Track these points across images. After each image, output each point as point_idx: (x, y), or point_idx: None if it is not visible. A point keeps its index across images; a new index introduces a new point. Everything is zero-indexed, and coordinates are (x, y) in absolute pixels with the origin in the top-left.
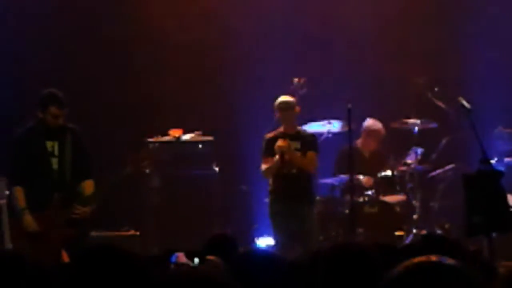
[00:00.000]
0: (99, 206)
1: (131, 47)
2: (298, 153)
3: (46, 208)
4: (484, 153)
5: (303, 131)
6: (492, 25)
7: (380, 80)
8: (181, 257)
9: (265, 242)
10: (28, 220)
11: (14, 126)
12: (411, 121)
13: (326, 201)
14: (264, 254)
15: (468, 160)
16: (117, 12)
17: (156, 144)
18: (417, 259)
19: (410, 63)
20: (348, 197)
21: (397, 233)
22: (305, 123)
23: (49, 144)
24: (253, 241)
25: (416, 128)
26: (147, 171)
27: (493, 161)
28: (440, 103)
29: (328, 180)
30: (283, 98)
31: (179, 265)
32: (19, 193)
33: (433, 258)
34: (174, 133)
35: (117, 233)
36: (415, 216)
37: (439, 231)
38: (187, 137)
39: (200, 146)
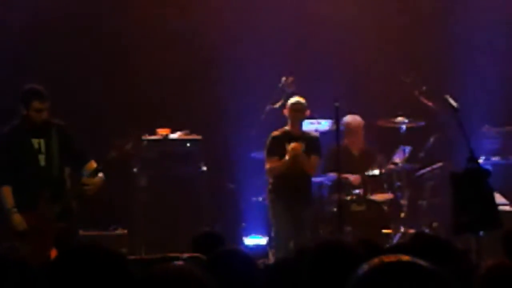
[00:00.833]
0: (86, 205)
1: (119, 46)
2: (304, 155)
3: (36, 206)
4: (472, 152)
5: (308, 132)
6: (480, 25)
7: (368, 79)
8: None
9: (252, 241)
10: (17, 219)
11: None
12: (399, 119)
13: (315, 200)
14: (242, 254)
15: (456, 159)
16: (106, 12)
17: (144, 142)
18: (387, 258)
19: (398, 62)
20: (336, 196)
21: (384, 231)
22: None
23: (35, 141)
24: (240, 240)
25: (404, 127)
26: (135, 170)
27: (480, 160)
28: (427, 102)
29: (317, 179)
30: (298, 99)
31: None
32: (6, 192)
33: (404, 258)
34: (162, 132)
35: (104, 232)
36: (402, 215)
37: (426, 230)
38: (175, 135)
39: (188, 144)
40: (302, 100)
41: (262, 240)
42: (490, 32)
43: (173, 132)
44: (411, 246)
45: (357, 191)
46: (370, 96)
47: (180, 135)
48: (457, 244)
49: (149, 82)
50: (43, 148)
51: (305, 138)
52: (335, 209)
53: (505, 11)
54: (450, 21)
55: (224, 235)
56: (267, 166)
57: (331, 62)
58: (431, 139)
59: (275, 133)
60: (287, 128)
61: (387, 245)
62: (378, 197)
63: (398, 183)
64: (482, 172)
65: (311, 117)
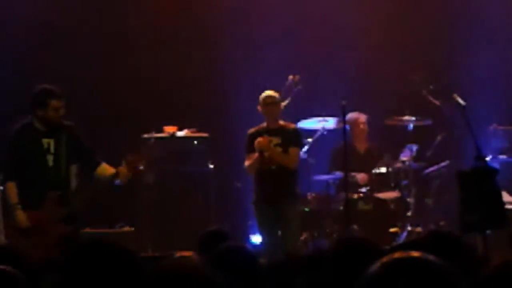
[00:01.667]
0: (93, 203)
1: (126, 45)
2: (279, 149)
3: (41, 205)
4: (479, 150)
5: (286, 125)
6: (488, 23)
7: (375, 77)
8: None
9: (259, 239)
10: (20, 216)
11: (10, 123)
12: (406, 118)
13: (321, 198)
14: (245, 251)
15: (463, 157)
16: (114, 10)
17: (151, 140)
18: (398, 255)
19: (405, 60)
20: (342, 194)
21: (391, 230)
22: (300, 120)
23: (45, 141)
24: (247, 238)
25: (411, 125)
26: (141, 168)
27: (487, 158)
28: (435, 100)
29: (323, 177)
30: (268, 93)
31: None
32: (11, 188)
33: (415, 254)
34: (169, 129)
35: (111, 229)
36: (409, 213)
37: (433, 228)
38: (182, 133)
39: (195, 142)
40: (273, 92)
41: None
42: (498, 31)
43: (180, 130)
44: (423, 243)
45: (364, 189)
46: (378, 95)
47: (187, 133)
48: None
49: (157, 80)
50: (52, 149)
51: (282, 131)
52: (341, 208)
53: None
54: (459, 20)
55: (231, 233)
56: (245, 164)
57: (338, 60)
58: (438, 138)
59: (251, 130)
60: (264, 124)
61: (394, 243)
62: (385, 195)
63: (405, 182)
64: (489, 171)
65: (318, 115)
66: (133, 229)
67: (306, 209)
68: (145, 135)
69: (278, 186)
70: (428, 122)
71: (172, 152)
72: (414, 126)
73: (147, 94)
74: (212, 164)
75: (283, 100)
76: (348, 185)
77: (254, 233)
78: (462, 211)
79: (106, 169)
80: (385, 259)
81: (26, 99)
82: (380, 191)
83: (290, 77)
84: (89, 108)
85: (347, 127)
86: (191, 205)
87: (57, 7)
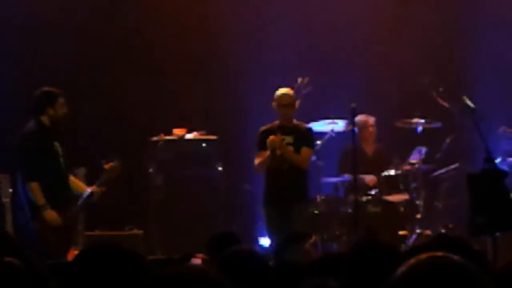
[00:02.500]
0: (102, 205)
1: (135, 47)
2: (291, 148)
3: (59, 207)
4: (488, 153)
5: (299, 125)
6: (497, 25)
7: (385, 79)
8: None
9: (268, 241)
10: (52, 215)
11: (14, 125)
12: (415, 120)
13: (330, 201)
14: (254, 254)
15: (472, 160)
16: (120, 12)
17: (160, 143)
18: (424, 256)
19: (415, 63)
20: (351, 197)
21: (400, 233)
22: (309, 122)
23: (56, 144)
24: (256, 240)
25: (420, 128)
26: (151, 170)
27: (497, 161)
28: (444, 103)
29: (332, 180)
30: (284, 92)
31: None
32: (37, 189)
33: (439, 254)
34: (178, 132)
35: (120, 232)
36: (418, 216)
37: (442, 231)
38: (191, 136)
39: (204, 145)
40: (289, 92)
41: None
42: (508, 34)
43: (189, 132)
44: (432, 247)
45: (373, 192)
46: (387, 97)
47: (196, 136)
48: (474, 245)
49: (166, 82)
50: (60, 151)
51: (295, 130)
52: (350, 210)
53: None
54: (468, 22)
55: (240, 235)
56: (255, 161)
57: (347, 62)
58: (448, 140)
59: (264, 128)
60: (277, 122)
61: (403, 246)
62: (394, 198)
63: (414, 184)
64: (498, 173)
65: (327, 117)
66: (142, 231)
67: (316, 212)
68: (154, 138)
69: (288, 187)
70: (437, 124)
71: (181, 154)
72: (423, 129)
73: (156, 96)
74: (220, 166)
75: (297, 99)
76: (357, 187)
77: (263, 236)
78: (472, 214)
79: (77, 184)
80: (412, 261)
81: (26, 99)
82: (389, 193)
83: (299, 79)
84: (98, 110)
85: (355, 129)
86: (200, 208)
87: (59, 8)
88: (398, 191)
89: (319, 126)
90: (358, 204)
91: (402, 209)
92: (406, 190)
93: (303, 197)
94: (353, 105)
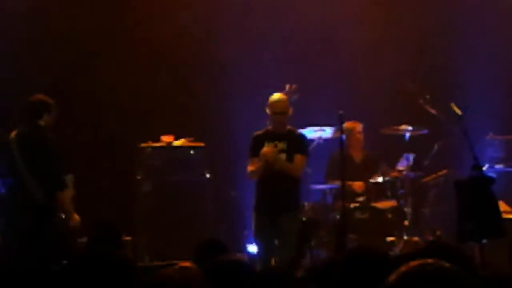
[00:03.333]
0: (89, 212)
1: (121, 54)
2: (283, 156)
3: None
4: (476, 160)
5: (293, 131)
6: (485, 33)
7: (372, 86)
8: None
9: (255, 248)
10: (78, 219)
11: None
12: (403, 127)
13: (318, 207)
14: (243, 265)
15: (460, 167)
16: (105, 20)
17: (148, 150)
18: (415, 263)
19: (402, 70)
20: (339, 203)
21: (388, 239)
22: (297, 129)
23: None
24: (243, 247)
25: (408, 135)
26: (138, 177)
27: (484, 168)
28: (431, 110)
29: (320, 187)
30: (278, 98)
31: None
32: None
33: (430, 261)
34: (166, 139)
35: None
36: (406, 222)
37: (430, 238)
38: (178, 142)
39: (191, 152)
40: (283, 98)
41: None
42: (494, 41)
43: (176, 139)
44: (423, 254)
45: (360, 198)
46: (374, 104)
47: (184, 142)
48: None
49: (153, 88)
50: None
51: (289, 137)
52: (338, 217)
53: (510, 21)
54: (454, 30)
55: (227, 242)
56: (248, 168)
57: (335, 69)
58: (435, 147)
59: (257, 133)
60: (269, 127)
61: (391, 253)
62: (382, 204)
63: (402, 191)
64: (486, 180)
65: (315, 124)
66: (130, 238)
67: (303, 219)
68: (142, 145)
69: (280, 195)
70: (425, 131)
71: (169, 161)
72: (411, 136)
73: (144, 104)
74: (208, 173)
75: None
76: (345, 194)
77: (250, 243)
78: (459, 220)
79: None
80: (403, 268)
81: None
82: (377, 200)
83: (287, 86)
84: (86, 118)
85: (343, 136)
86: (187, 214)
87: (48, 15)
88: (386, 198)
89: (307, 133)
90: (346, 210)
91: (390, 215)
92: (393, 196)
93: (294, 206)
94: (341, 112)
